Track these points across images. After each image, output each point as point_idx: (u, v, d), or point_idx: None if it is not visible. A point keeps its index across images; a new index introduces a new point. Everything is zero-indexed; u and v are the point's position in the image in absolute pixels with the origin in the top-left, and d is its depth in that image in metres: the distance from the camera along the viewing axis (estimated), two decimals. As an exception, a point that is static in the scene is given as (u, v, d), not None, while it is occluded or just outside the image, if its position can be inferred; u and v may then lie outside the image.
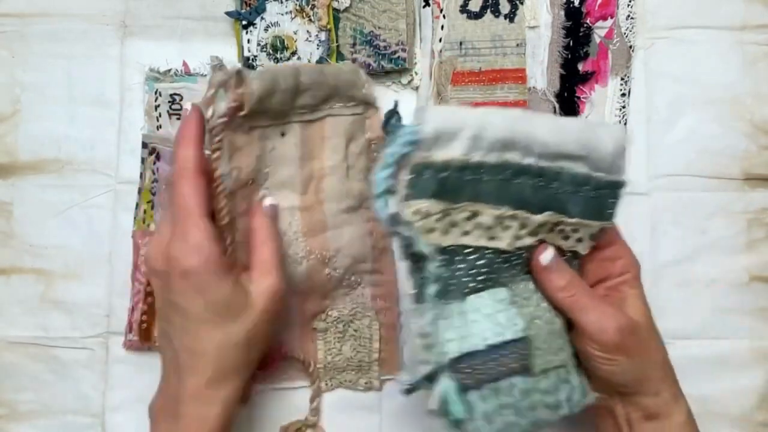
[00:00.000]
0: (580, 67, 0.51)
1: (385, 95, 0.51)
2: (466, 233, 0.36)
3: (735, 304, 0.52)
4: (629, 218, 0.52)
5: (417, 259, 0.36)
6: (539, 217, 0.37)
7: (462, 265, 0.37)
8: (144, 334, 0.50)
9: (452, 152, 0.34)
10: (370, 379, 0.51)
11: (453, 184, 0.35)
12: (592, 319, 0.39)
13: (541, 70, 0.51)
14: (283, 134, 0.46)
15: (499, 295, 0.38)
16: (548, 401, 0.38)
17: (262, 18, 0.51)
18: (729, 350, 0.52)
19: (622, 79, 0.51)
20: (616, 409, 0.42)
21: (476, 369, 0.37)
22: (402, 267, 0.37)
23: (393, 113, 0.44)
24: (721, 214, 0.52)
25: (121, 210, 0.51)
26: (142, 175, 0.51)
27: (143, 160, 0.51)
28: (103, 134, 0.52)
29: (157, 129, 0.51)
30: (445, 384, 0.36)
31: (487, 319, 0.37)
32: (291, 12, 0.51)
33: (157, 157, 0.51)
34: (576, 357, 0.40)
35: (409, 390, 0.38)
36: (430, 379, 0.37)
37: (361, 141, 0.49)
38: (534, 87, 0.50)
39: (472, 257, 0.37)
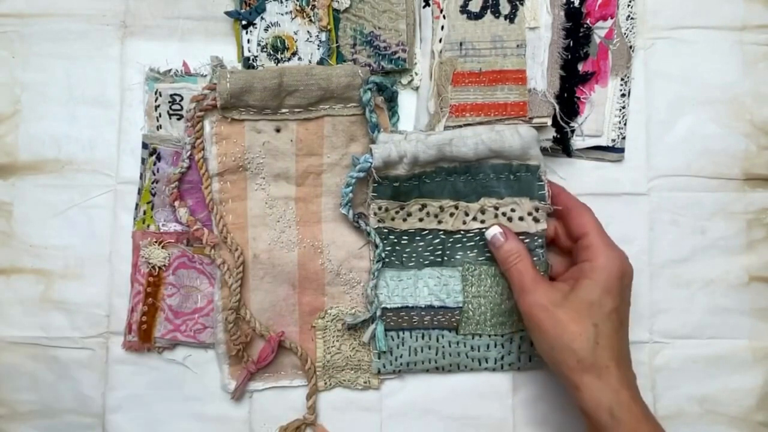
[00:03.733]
0: (580, 67, 0.51)
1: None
2: (420, 220, 0.50)
3: (734, 304, 0.52)
4: (629, 218, 0.52)
5: (385, 236, 0.50)
6: (476, 204, 0.49)
7: (421, 243, 0.50)
8: (144, 334, 0.50)
9: (398, 171, 0.48)
10: (368, 378, 0.51)
11: (404, 189, 0.49)
12: (515, 290, 0.46)
13: (541, 71, 0.50)
14: (278, 130, 0.50)
15: (454, 273, 0.50)
16: (473, 355, 0.51)
17: (262, 18, 0.51)
18: (728, 350, 0.52)
19: (622, 79, 0.51)
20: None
21: (413, 318, 0.50)
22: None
23: (386, 89, 0.50)
24: (720, 214, 0.52)
25: (121, 210, 0.51)
26: (142, 175, 0.51)
27: (143, 160, 0.51)
28: (103, 134, 0.52)
29: (157, 129, 0.51)
30: (378, 325, 0.50)
31: (434, 286, 0.50)
32: (291, 12, 0.51)
33: (158, 158, 0.51)
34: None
35: (350, 326, 0.51)
36: (372, 320, 0.50)
37: (365, 141, 0.49)
38: (534, 88, 0.50)
39: (428, 237, 0.50)
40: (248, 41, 0.51)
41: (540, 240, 0.48)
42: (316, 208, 0.51)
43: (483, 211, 0.49)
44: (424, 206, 0.49)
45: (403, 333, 0.51)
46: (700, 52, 0.53)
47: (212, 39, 0.52)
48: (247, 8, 0.51)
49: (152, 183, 0.51)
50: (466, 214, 0.49)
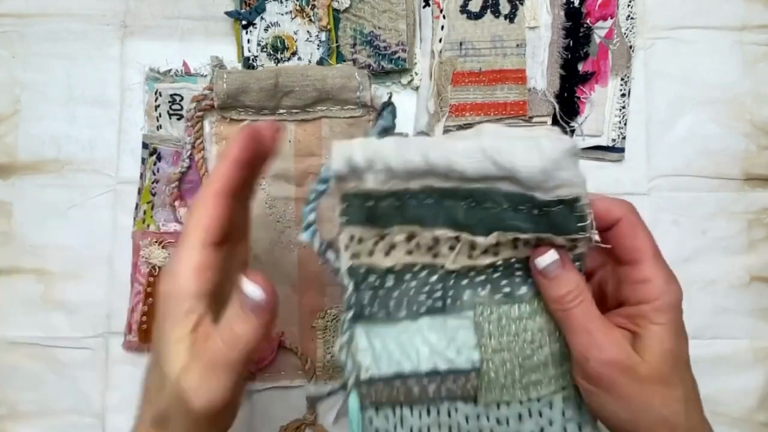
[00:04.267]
0: (580, 67, 0.51)
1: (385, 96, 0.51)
2: (410, 252, 0.35)
3: (735, 304, 0.52)
4: (629, 218, 0.52)
5: (362, 278, 0.36)
6: (487, 240, 0.34)
7: (413, 283, 0.36)
8: (144, 334, 0.50)
9: (368, 184, 0.34)
10: None
11: (381, 210, 0.34)
12: (579, 341, 0.34)
13: (541, 71, 0.51)
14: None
15: (462, 321, 0.36)
16: (501, 430, 0.36)
17: (262, 18, 0.51)
18: (729, 350, 0.52)
19: (622, 79, 0.51)
20: None
21: (412, 389, 0.36)
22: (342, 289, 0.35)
23: (386, 105, 0.44)
24: (721, 214, 0.52)
25: (121, 210, 0.51)
26: (142, 175, 0.51)
27: (143, 160, 0.51)
28: (103, 134, 0.52)
29: (157, 129, 0.51)
30: (351, 400, 0.36)
31: (437, 342, 0.36)
32: (291, 12, 0.51)
33: (158, 158, 0.51)
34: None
35: (313, 398, 0.40)
36: (344, 388, 0.36)
37: None
38: (534, 87, 0.50)
39: (422, 274, 0.36)
40: (248, 41, 0.51)
41: (578, 263, 0.35)
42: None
43: (497, 244, 0.35)
44: (412, 236, 0.35)
45: (401, 410, 0.36)
46: (700, 52, 0.53)
47: (212, 39, 0.52)
48: (247, 8, 0.51)
49: (152, 183, 0.51)
50: (472, 248, 0.35)
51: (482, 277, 0.36)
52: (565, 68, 0.51)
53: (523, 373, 0.36)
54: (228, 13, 0.51)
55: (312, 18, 0.51)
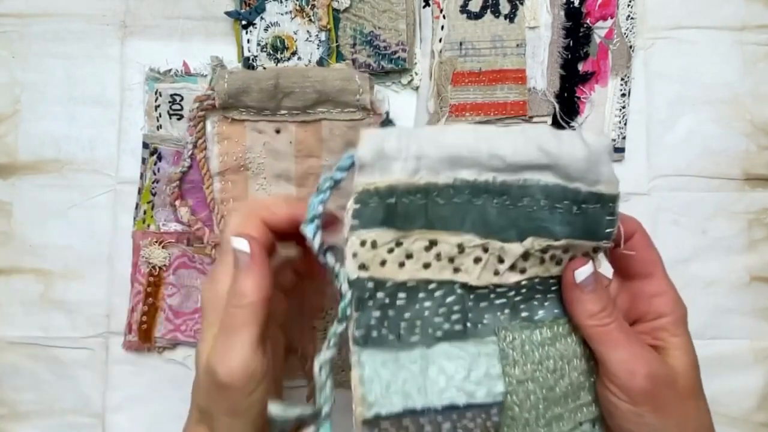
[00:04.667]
0: (580, 67, 0.51)
1: (391, 99, 0.51)
2: (426, 266, 0.31)
3: (735, 304, 0.52)
4: (629, 218, 0.52)
5: (369, 294, 0.31)
6: (517, 247, 0.31)
7: (428, 303, 0.32)
8: (144, 334, 0.50)
9: (395, 175, 0.30)
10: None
11: (403, 210, 0.30)
12: (621, 358, 0.32)
13: (541, 71, 0.51)
14: (278, 131, 0.50)
15: (485, 348, 0.32)
16: None
17: (262, 18, 0.51)
18: (729, 350, 0.52)
19: (622, 79, 0.51)
20: None
21: (424, 428, 0.31)
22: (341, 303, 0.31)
23: (386, 124, 0.42)
24: (721, 214, 0.52)
25: (121, 210, 0.51)
26: (142, 175, 0.51)
27: (144, 160, 0.51)
28: (103, 134, 0.52)
29: (158, 129, 0.51)
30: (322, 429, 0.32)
31: (455, 372, 0.31)
32: (291, 12, 0.51)
33: (158, 157, 0.51)
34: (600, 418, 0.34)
35: (277, 423, 0.33)
36: (316, 418, 0.33)
37: None
38: (534, 87, 0.50)
39: (438, 293, 0.32)
40: (248, 41, 0.51)
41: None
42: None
43: (526, 256, 0.31)
44: (432, 244, 0.31)
45: None
46: (700, 52, 0.53)
47: (212, 39, 0.52)
48: (247, 8, 0.51)
49: (153, 183, 0.51)
50: (500, 261, 0.31)
51: (503, 300, 0.33)
52: (565, 68, 0.51)
53: (546, 406, 0.33)
54: (228, 13, 0.51)
55: (312, 18, 0.51)
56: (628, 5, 0.51)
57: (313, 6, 0.50)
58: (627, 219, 0.34)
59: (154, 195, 0.51)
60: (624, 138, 0.52)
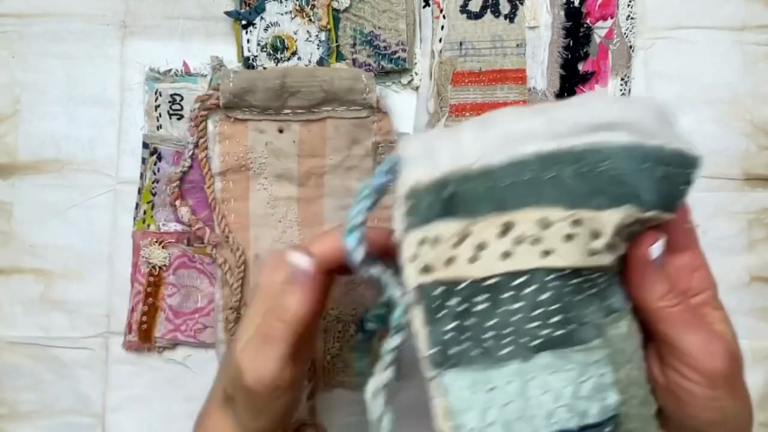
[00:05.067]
0: (580, 67, 0.51)
1: (391, 99, 0.52)
2: (506, 255, 0.26)
3: (735, 304, 0.52)
4: (629, 218, 0.52)
5: (440, 303, 0.26)
6: (614, 213, 0.26)
7: (517, 305, 0.26)
8: (144, 334, 0.50)
9: (445, 166, 0.26)
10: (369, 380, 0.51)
11: (464, 197, 0.26)
12: (698, 339, 0.29)
13: (541, 71, 0.51)
14: (281, 131, 0.49)
15: (595, 353, 0.26)
16: None
17: (262, 18, 0.51)
18: (729, 350, 0.52)
19: (622, 79, 0.51)
20: None
21: None
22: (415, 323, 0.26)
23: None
24: (721, 214, 0.52)
25: (121, 210, 0.51)
26: (142, 175, 0.51)
27: (144, 160, 0.51)
28: (103, 134, 0.52)
29: (158, 129, 0.51)
30: None
31: (564, 388, 0.26)
32: (291, 12, 0.51)
33: (158, 157, 0.51)
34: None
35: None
36: None
37: (367, 143, 0.50)
38: (534, 87, 0.50)
39: (529, 290, 0.26)
40: (248, 41, 0.51)
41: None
42: (318, 209, 0.51)
43: (619, 231, 0.26)
44: (508, 226, 0.26)
45: None
46: (700, 52, 0.53)
47: (212, 39, 0.52)
48: (247, 8, 0.51)
49: (153, 183, 0.51)
50: (595, 236, 0.26)
51: (594, 290, 0.27)
52: (565, 68, 0.51)
53: (647, 410, 0.28)
54: (228, 13, 0.51)
55: (312, 18, 0.51)
56: (628, 5, 0.51)
57: (313, 6, 0.50)
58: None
59: (154, 195, 0.51)
60: (624, 138, 0.51)
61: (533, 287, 0.26)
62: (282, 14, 0.51)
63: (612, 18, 0.51)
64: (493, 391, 0.25)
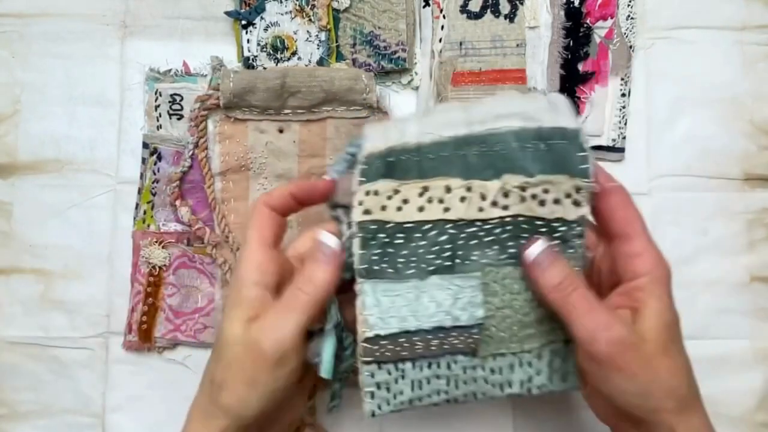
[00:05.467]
0: (580, 67, 0.51)
1: (391, 99, 0.52)
2: (421, 209, 0.37)
3: (735, 304, 0.52)
4: (629, 218, 0.52)
5: (372, 235, 0.37)
6: (495, 183, 0.36)
7: (423, 242, 0.37)
8: (144, 334, 0.50)
9: (392, 139, 0.37)
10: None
11: (400, 165, 0.37)
12: (583, 326, 0.34)
13: (541, 71, 0.51)
14: (281, 131, 0.50)
15: (470, 281, 0.38)
16: (494, 379, 0.39)
17: (262, 18, 0.51)
18: (729, 350, 0.52)
19: (622, 79, 0.51)
20: None
21: (416, 345, 0.38)
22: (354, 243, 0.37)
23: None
24: (721, 214, 0.52)
25: (121, 210, 0.51)
26: (142, 175, 0.51)
27: (144, 160, 0.51)
28: (103, 134, 0.52)
29: (158, 129, 0.51)
30: (327, 342, 0.38)
31: (444, 300, 0.38)
32: (291, 12, 0.51)
33: (158, 157, 0.51)
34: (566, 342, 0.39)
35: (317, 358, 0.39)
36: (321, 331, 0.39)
37: None
38: (534, 87, 0.50)
39: (432, 233, 0.37)
40: (248, 41, 0.51)
41: (579, 228, 0.37)
42: (318, 209, 0.51)
43: (506, 194, 0.36)
44: (425, 189, 0.37)
45: (404, 364, 0.38)
46: (700, 52, 0.53)
47: (212, 39, 0.52)
48: (247, 8, 0.51)
49: (153, 183, 0.51)
50: (483, 198, 0.37)
51: (491, 238, 0.37)
52: (565, 68, 0.51)
53: (520, 328, 0.38)
54: (228, 13, 0.51)
55: (312, 18, 0.51)
56: (628, 5, 0.51)
57: (313, 6, 0.50)
58: (607, 177, 0.37)
59: (154, 195, 0.51)
60: (624, 138, 0.52)
61: (435, 232, 0.37)
62: (282, 14, 0.51)
63: (612, 18, 0.51)
64: (396, 296, 0.38)
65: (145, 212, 0.51)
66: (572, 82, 0.51)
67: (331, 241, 0.38)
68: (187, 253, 0.51)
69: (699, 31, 0.53)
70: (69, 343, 0.51)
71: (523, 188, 0.36)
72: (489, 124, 0.36)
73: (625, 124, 0.51)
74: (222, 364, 0.37)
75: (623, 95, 0.51)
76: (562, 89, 0.50)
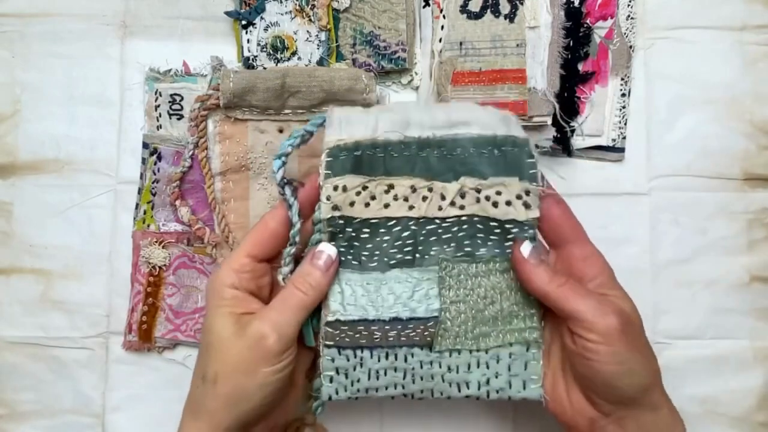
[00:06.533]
0: (580, 67, 0.51)
1: (391, 99, 0.52)
2: (386, 206, 0.40)
3: (735, 304, 0.52)
4: (630, 218, 0.52)
5: (339, 229, 0.40)
6: (454, 185, 0.40)
7: (386, 237, 0.40)
8: (144, 334, 0.50)
9: (360, 133, 0.40)
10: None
11: (367, 160, 0.40)
12: (590, 305, 0.37)
13: (541, 71, 0.50)
14: (281, 131, 0.50)
15: (428, 274, 0.41)
16: (451, 377, 0.41)
17: (262, 18, 0.51)
18: (729, 350, 0.52)
19: (622, 79, 0.51)
20: (609, 429, 0.39)
21: (374, 334, 0.40)
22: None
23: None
24: (721, 214, 0.52)
25: (121, 210, 0.51)
26: (142, 175, 0.51)
27: (144, 160, 0.51)
28: (103, 134, 0.52)
29: (157, 129, 0.51)
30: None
31: (402, 293, 0.40)
32: (291, 12, 0.51)
33: (158, 157, 0.51)
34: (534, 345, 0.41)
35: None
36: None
37: None
38: (534, 87, 0.50)
39: (395, 229, 0.40)
40: (248, 41, 0.51)
41: (531, 231, 0.40)
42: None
43: (462, 195, 0.40)
44: (390, 187, 0.40)
45: (362, 352, 0.40)
46: (700, 52, 0.53)
47: (212, 39, 0.52)
48: (247, 8, 0.51)
49: (153, 183, 0.51)
50: (443, 198, 0.40)
51: (449, 235, 0.41)
52: (565, 68, 0.51)
53: (474, 324, 0.40)
54: (228, 13, 0.51)
55: (312, 18, 0.51)
56: (628, 5, 0.51)
57: (313, 6, 0.50)
58: (551, 191, 0.41)
59: (154, 195, 0.51)
60: (624, 138, 0.52)
61: (399, 228, 0.41)
62: (282, 14, 0.51)
63: (612, 18, 0.51)
64: (358, 286, 0.40)
65: (145, 212, 0.51)
66: (572, 82, 0.51)
67: (330, 250, 0.40)
68: (187, 253, 0.51)
69: (699, 31, 0.53)
70: (69, 343, 0.51)
71: (477, 190, 0.40)
72: (448, 130, 0.40)
73: (625, 124, 0.51)
74: (214, 359, 0.38)
75: (623, 95, 0.51)
76: (562, 89, 0.50)
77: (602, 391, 0.38)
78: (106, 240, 0.51)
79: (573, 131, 0.51)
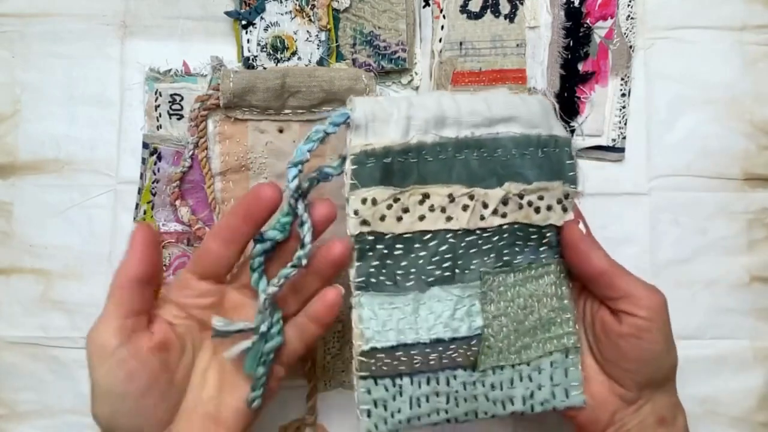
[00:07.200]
0: (580, 67, 0.51)
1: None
2: (421, 218, 0.36)
3: (735, 304, 0.52)
4: (629, 218, 0.52)
5: (369, 247, 0.36)
6: (498, 191, 0.36)
7: (423, 253, 0.37)
8: (144, 334, 0.50)
9: (389, 136, 0.35)
10: None
11: (398, 168, 0.35)
12: (638, 283, 0.38)
13: (541, 71, 0.51)
14: (281, 131, 0.50)
15: (470, 290, 0.37)
16: (495, 395, 0.38)
17: (262, 18, 0.51)
18: (729, 350, 0.52)
19: (622, 79, 0.51)
20: (627, 419, 0.39)
21: (414, 359, 0.37)
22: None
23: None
24: (721, 214, 0.52)
25: (121, 210, 0.51)
26: (142, 175, 0.51)
27: (144, 160, 0.51)
28: (103, 134, 0.52)
29: (158, 129, 0.51)
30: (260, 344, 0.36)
31: (443, 312, 0.37)
32: (291, 12, 0.51)
33: (158, 157, 0.51)
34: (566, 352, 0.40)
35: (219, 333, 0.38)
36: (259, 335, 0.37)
37: None
38: (534, 87, 0.50)
39: (432, 243, 0.37)
40: (248, 41, 0.51)
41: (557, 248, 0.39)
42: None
43: (505, 201, 0.37)
44: (426, 197, 0.36)
45: (401, 380, 0.37)
46: (700, 52, 0.53)
47: (212, 39, 0.52)
48: (247, 8, 0.51)
49: (153, 183, 0.51)
50: (485, 206, 0.36)
51: (489, 246, 0.37)
52: (565, 68, 0.51)
53: (516, 337, 0.38)
54: (228, 13, 0.51)
55: (312, 18, 0.51)
56: (628, 5, 0.51)
57: (313, 6, 0.50)
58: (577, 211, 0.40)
59: (154, 195, 0.51)
60: (624, 138, 0.52)
61: (436, 242, 0.37)
62: (282, 14, 0.51)
63: (612, 18, 0.51)
64: (394, 309, 0.36)
65: (145, 212, 0.51)
66: (572, 82, 0.51)
67: (217, 322, 0.38)
68: (187, 253, 0.51)
69: (699, 31, 0.53)
70: (69, 343, 0.51)
71: (521, 195, 0.37)
72: (488, 128, 0.37)
73: (625, 124, 0.51)
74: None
75: (623, 95, 0.51)
76: (562, 89, 0.50)
77: (644, 372, 0.39)
78: (106, 240, 0.51)
79: (573, 131, 0.51)
